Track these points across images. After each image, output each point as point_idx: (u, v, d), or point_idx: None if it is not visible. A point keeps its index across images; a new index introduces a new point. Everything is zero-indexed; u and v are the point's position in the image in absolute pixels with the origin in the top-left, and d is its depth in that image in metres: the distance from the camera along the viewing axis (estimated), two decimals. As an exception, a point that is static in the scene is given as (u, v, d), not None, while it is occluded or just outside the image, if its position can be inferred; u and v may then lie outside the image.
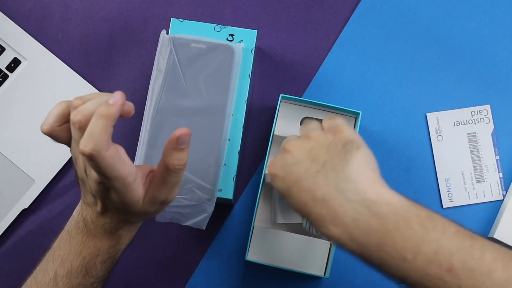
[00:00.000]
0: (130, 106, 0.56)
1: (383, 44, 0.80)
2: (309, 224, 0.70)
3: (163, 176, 0.57)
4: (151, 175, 0.59)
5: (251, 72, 0.74)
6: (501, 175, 0.77)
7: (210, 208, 0.69)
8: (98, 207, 0.58)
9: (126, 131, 0.79)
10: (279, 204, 0.74)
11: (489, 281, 0.50)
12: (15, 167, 0.77)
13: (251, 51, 0.74)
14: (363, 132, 0.78)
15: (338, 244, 0.56)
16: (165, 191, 0.58)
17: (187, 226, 0.77)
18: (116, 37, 0.81)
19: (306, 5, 0.81)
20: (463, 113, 0.79)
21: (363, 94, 0.79)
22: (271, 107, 0.79)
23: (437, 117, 0.79)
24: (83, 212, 0.60)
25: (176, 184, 0.58)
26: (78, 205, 0.62)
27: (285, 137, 0.72)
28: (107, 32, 0.81)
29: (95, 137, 0.51)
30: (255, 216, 0.73)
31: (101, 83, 0.80)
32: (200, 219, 0.69)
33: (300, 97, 0.79)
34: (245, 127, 0.76)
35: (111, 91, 0.80)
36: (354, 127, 0.76)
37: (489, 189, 0.77)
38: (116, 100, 0.53)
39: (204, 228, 0.69)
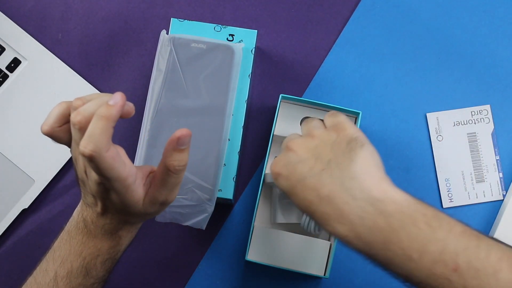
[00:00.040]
0: (130, 107, 0.56)
1: (383, 44, 0.80)
2: (308, 223, 0.70)
3: (163, 177, 0.57)
4: (151, 176, 0.59)
5: (251, 72, 0.74)
6: (501, 175, 0.77)
7: (210, 208, 0.69)
8: (98, 208, 0.58)
9: (126, 131, 0.79)
10: (279, 204, 0.74)
11: (494, 281, 0.50)
12: (15, 167, 0.77)
13: (251, 51, 0.74)
14: (363, 132, 0.78)
15: (344, 243, 0.55)
16: (165, 192, 0.58)
17: (187, 226, 0.77)
18: (116, 37, 0.81)
19: (306, 5, 0.81)
20: (463, 113, 0.79)
21: (363, 94, 0.79)
22: (271, 107, 0.79)
23: (437, 117, 0.79)
24: (83, 212, 0.60)
25: (176, 185, 0.58)
26: (78, 206, 0.62)
27: (285, 137, 0.72)
28: (107, 32, 0.81)
29: (95, 138, 0.51)
30: (255, 216, 0.73)
31: (101, 83, 0.80)
32: (200, 219, 0.69)
33: (300, 97, 0.79)
34: (245, 127, 0.76)
35: (111, 91, 0.80)
36: (354, 127, 0.76)
37: (489, 189, 0.77)
38: (116, 101, 0.52)
39: (204, 228, 0.69)
